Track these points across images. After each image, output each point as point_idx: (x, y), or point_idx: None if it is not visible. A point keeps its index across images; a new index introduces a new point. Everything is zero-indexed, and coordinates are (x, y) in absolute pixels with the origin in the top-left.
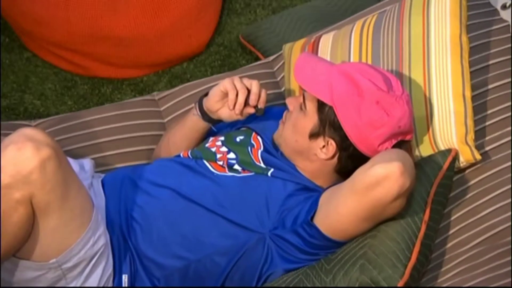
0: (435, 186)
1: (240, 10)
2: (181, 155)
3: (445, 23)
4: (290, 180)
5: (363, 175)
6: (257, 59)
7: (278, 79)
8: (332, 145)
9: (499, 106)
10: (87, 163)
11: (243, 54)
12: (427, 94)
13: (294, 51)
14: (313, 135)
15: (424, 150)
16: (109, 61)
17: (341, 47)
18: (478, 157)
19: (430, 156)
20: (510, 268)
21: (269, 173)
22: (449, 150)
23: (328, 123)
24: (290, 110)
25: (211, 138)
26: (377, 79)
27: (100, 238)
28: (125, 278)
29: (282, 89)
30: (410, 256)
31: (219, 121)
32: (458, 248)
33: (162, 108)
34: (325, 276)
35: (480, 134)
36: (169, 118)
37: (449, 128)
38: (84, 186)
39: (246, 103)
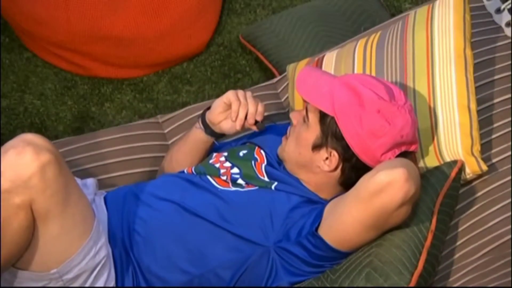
0: (442, 197)
1: (240, 10)
2: (185, 171)
3: (448, 37)
4: (294, 193)
5: (367, 182)
6: (257, 59)
7: (283, 100)
8: (335, 156)
9: (505, 119)
10: (90, 181)
11: (243, 54)
12: (432, 106)
13: (298, 70)
14: (316, 147)
15: (430, 161)
16: (109, 61)
17: (345, 64)
18: (485, 167)
19: (436, 167)
20: None
21: (272, 187)
22: (455, 162)
23: (330, 134)
24: (294, 124)
25: (215, 154)
26: (379, 89)
27: (101, 249)
28: None
29: (287, 110)
30: (417, 264)
31: (222, 135)
32: (465, 258)
33: (166, 131)
34: (331, 286)
35: (486, 147)
36: (172, 140)
37: (455, 140)
38: (85, 194)
39: (247, 117)
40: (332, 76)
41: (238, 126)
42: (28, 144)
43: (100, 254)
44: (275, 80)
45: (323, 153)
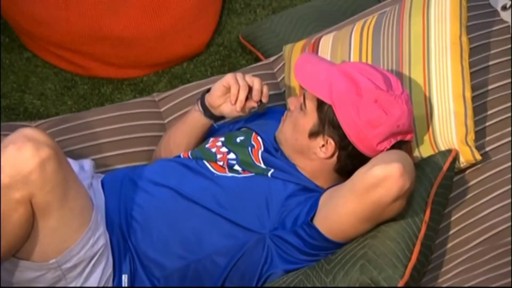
0: (436, 187)
1: (240, 10)
2: (181, 155)
3: (445, 24)
4: (290, 181)
5: (363, 176)
6: (257, 59)
7: (279, 80)
8: (331, 144)
9: (499, 106)
10: (87, 163)
11: (243, 54)
12: (427, 95)
13: (294, 52)
14: (313, 134)
15: (425, 150)
16: (109, 61)
17: (341, 47)
18: (479, 157)
19: (430, 157)
20: (510, 268)
21: (269, 174)
22: (449, 151)
23: (327, 122)
24: (291, 110)
25: (211, 139)
26: (377, 78)
27: (99, 239)
28: (124, 278)
29: (283, 90)
30: (410, 256)
31: (221, 118)
32: (458, 248)
33: (162, 109)
34: (325, 277)
35: (480, 134)
36: (169, 119)
37: (449, 129)
38: (83, 186)
39: (247, 99)
40: (330, 63)
41: (238, 108)
42: (28, 139)
43: (98, 243)
44: (271, 59)
45: (319, 140)
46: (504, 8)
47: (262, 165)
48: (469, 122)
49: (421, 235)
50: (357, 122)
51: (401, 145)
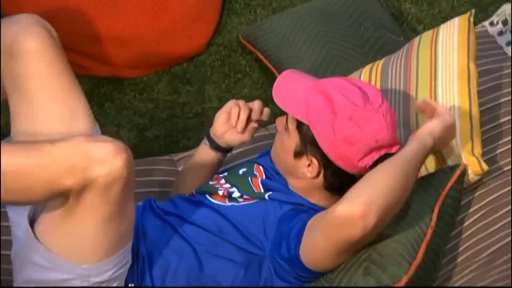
0: (443, 197)
1: (240, 10)
2: (187, 194)
3: (452, 53)
4: (286, 201)
5: (330, 214)
6: (257, 59)
7: None
8: (315, 164)
9: (510, 136)
10: None
11: (243, 54)
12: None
13: None
14: (297, 155)
15: (432, 166)
16: (109, 61)
17: None
18: (486, 167)
19: (438, 170)
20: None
21: (266, 196)
22: (458, 165)
23: (308, 141)
24: (279, 131)
25: (215, 176)
26: (353, 93)
27: (128, 262)
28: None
29: None
30: (416, 256)
31: (228, 150)
32: (470, 259)
33: (180, 168)
34: (329, 284)
35: (490, 162)
36: None
37: (456, 143)
38: (134, 211)
39: (249, 121)
40: (311, 80)
41: (239, 128)
42: (126, 149)
43: (126, 266)
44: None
45: (304, 160)
46: (508, 44)
47: (262, 191)
48: (475, 138)
49: (427, 238)
50: (333, 140)
51: (387, 159)
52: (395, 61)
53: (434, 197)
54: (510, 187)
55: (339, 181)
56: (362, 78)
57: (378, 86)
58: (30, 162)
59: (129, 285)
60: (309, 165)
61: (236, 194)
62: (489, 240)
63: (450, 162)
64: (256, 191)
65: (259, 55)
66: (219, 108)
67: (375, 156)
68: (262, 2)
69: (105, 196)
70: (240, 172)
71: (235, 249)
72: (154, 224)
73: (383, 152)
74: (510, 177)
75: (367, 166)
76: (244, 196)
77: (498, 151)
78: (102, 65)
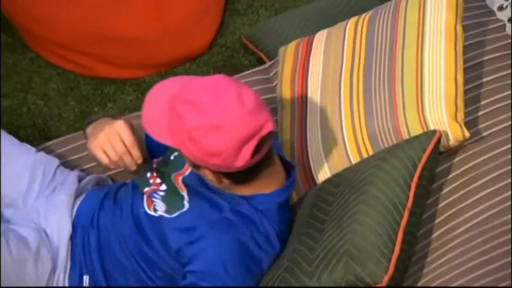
0: (420, 170)
1: (243, 11)
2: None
3: (440, 13)
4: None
5: None
6: (260, 59)
7: (274, 84)
8: (210, 175)
9: (492, 97)
10: (74, 177)
11: (246, 54)
12: (419, 76)
13: (288, 52)
14: (195, 167)
15: (413, 128)
16: (112, 62)
17: (335, 41)
18: (467, 134)
19: (413, 138)
20: (505, 250)
21: (186, 203)
22: (433, 131)
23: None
24: None
25: (155, 161)
26: (198, 103)
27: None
28: (86, 279)
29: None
30: (394, 248)
31: None
32: (447, 234)
33: None
34: (309, 279)
35: (472, 123)
36: None
37: (439, 107)
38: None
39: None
40: (171, 93)
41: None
42: None
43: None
44: (267, 65)
45: (203, 171)
46: (500, 8)
47: (184, 194)
48: (459, 102)
49: (403, 222)
50: (202, 157)
51: (266, 141)
52: (382, 16)
53: (411, 171)
54: (491, 153)
55: (242, 176)
56: (347, 31)
57: (363, 42)
58: None
59: (84, 276)
60: (207, 175)
61: (161, 207)
62: (469, 213)
63: (432, 126)
64: (180, 192)
65: (261, 56)
66: None
67: (250, 147)
68: (265, 3)
69: None
70: (172, 157)
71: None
72: (108, 209)
73: (255, 140)
74: (491, 142)
75: (249, 158)
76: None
77: (479, 113)
78: (105, 66)
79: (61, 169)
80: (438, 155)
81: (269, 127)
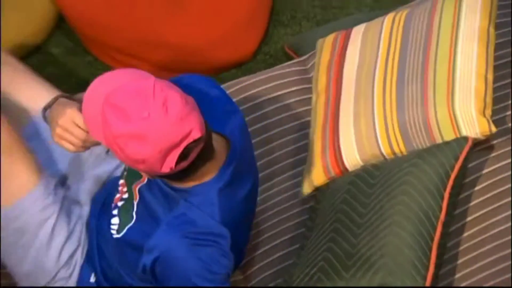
0: (452, 180)
1: (287, 22)
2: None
3: (475, 15)
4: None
5: None
6: None
7: (310, 75)
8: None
9: None
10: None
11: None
12: (451, 72)
13: (326, 43)
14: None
15: (443, 122)
16: (164, 67)
17: (372, 35)
18: (494, 129)
19: (445, 144)
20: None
21: (133, 219)
22: (465, 139)
23: None
24: None
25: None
26: (115, 113)
27: (49, 207)
28: (92, 278)
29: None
30: (428, 265)
31: None
32: (475, 238)
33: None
34: (345, 285)
35: (500, 122)
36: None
37: (469, 103)
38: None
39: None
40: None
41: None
42: None
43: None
44: (305, 57)
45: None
46: None
47: (133, 207)
48: (488, 99)
49: (437, 237)
50: (129, 162)
51: (193, 148)
52: (418, 13)
53: (444, 180)
54: None
55: (175, 176)
56: (384, 25)
57: (399, 36)
58: None
59: (91, 274)
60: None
61: (115, 220)
62: (496, 217)
63: (461, 120)
64: (133, 201)
65: None
66: None
67: (175, 155)
68: (307, 15)
69: None
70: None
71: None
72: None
73: (180, 148)
74: None
75: (173, 165)
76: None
77: (507, 112)
78: (158, 70)
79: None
80: (468, 163)
81: (195, 135)
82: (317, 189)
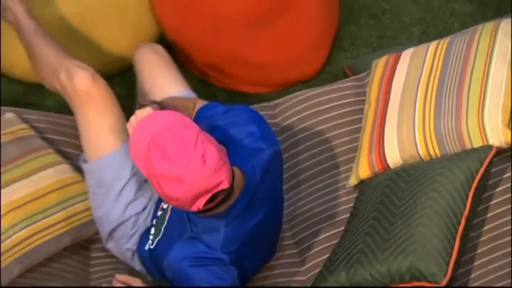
0: (476, 183)
1: (347, 47)
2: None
3: (507, 44)
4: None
5: None
6: None
7: (365, 89)
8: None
9: None
10: None
11: None
12: (483, 90)
13: (380, 63)
14: None
15: (473, 130)
16: (243, 80)
17: (419, 55)
18: None
19: (472, 150)
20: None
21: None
22: (490, 147)
23: None
24: None
25: None
26: (160, 154)
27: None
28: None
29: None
30: (452, 253)
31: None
32: (496, 230)
33: (276, 111)
34: (380, 265)
35: None
36: (284, 121)
37: (496, 116)
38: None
39: None
40: (149, 137)
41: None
42: (94, 74)
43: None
44: (362, 74)
45: None
46: None
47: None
48: None
49: (461, 229)
50: (163, 197)
51: (221, 194)
52: (459, 40)
53: (469, 182)
54: None
55: (201, 212)
56: (429, 49)
57: (441, 58)
58: (44, 55)
59: (147, 244)
60: None
61: (152, 231)
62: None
63: (488, 130)
64: (166, 216)
65: None
66: None
67: (204, 199)
68: (365, 42)
69: (86, 103)
70: None
71: None
72: None
73: (209, 194)
74: None
75: (202, 206)
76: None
77: None
78: (238, 82)
79: None
80: (491, 168)
81: (223, 185)
82: (362, 182)
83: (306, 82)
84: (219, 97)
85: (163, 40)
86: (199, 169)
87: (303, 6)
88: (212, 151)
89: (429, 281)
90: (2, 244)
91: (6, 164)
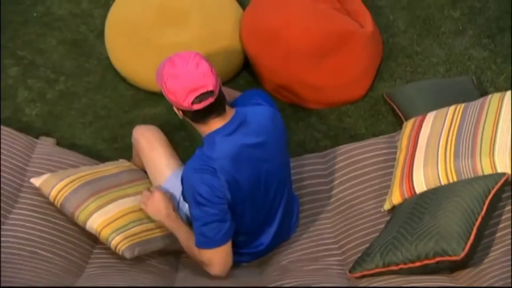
0: (492, 194)
1: (386, 78)
2: None
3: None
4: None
5: (197, 252)
6: (393, 108)
7: (396, 144)
8: (176, 108)
9: None
10: None
11: (385, 105)
12: (493, 135)
13: (409, 123)
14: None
15: (486, 167)
16: (305, 98)
17: (440, 115)
18: None
19: (488, 175)
20: None
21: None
22: (503, 174)
23: None
24: None
25: None
26: (169, 63)
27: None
28: None
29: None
30: (469, 236)
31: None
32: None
33: (326, 159)
34: (409, 245)
35: None
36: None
37: (505, 156)
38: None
39: None
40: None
41: None
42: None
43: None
44: (395, 133)
45: (174, 108)
46: None
47: None
48: None
49: (478, 223)
50: (165, 93)
51: (208, 97)
52: (473, 104)
53: (486, 193)
54: None
55: (193, 115)
56: (448, 114)
57: (459, 116)
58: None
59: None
60: (176, 110)
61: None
62: None
63: (498, 167)
64: None
65: (394, 106)
66: (365, 134)
67: (193, 95)
68: (401, 76)
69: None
70: None
71: None
72: None
73: (198, 92)
74: None
75: (191, 103)
76: None
77: None
78: (300, 99)
79: None
80: (503, 193)
81: (209, 87)
82: (394, 207)
83: (353, 103)
84: (286, 110)
85: (247, 66)
86: (192, 70)
87: (355, 44)
88: (204, 63)
89: (449, 255)
90: (127, 232)
91: (123, 184)
